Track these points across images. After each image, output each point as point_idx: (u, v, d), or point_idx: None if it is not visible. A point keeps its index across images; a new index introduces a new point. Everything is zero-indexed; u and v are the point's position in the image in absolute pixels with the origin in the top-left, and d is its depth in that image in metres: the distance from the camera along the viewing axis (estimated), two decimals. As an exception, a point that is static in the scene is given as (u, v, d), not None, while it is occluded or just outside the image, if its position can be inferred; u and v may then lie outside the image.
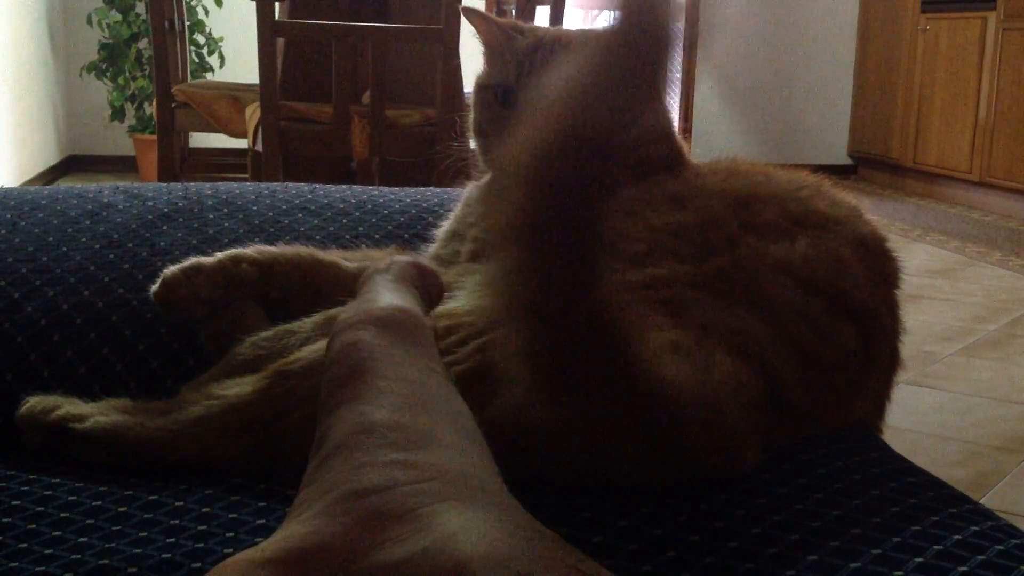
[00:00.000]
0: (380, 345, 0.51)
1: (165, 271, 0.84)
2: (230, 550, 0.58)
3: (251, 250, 0.86)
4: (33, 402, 0.74)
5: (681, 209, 0.76)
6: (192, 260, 0.85)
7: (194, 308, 0.83)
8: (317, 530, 0.42)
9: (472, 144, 0.96)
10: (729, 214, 0.75)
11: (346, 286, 0.85)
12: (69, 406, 0.73)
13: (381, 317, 0.52)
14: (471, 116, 0.94)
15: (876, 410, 0.80)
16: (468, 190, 0.95)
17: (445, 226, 0.94)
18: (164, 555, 0.58)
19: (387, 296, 0.55)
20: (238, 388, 0.70)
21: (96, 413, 0.72)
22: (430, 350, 0.53)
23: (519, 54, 0.88)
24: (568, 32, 0.91)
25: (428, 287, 0.58)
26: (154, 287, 0.84)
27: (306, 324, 0.77)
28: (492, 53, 0.93)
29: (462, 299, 0.74)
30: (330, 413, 0.48)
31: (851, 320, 0.72)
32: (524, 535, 0.42)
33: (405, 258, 0.59)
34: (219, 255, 0.85)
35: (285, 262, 0.86)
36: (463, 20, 0.99)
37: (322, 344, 0.70)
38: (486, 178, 0.94)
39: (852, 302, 0.73)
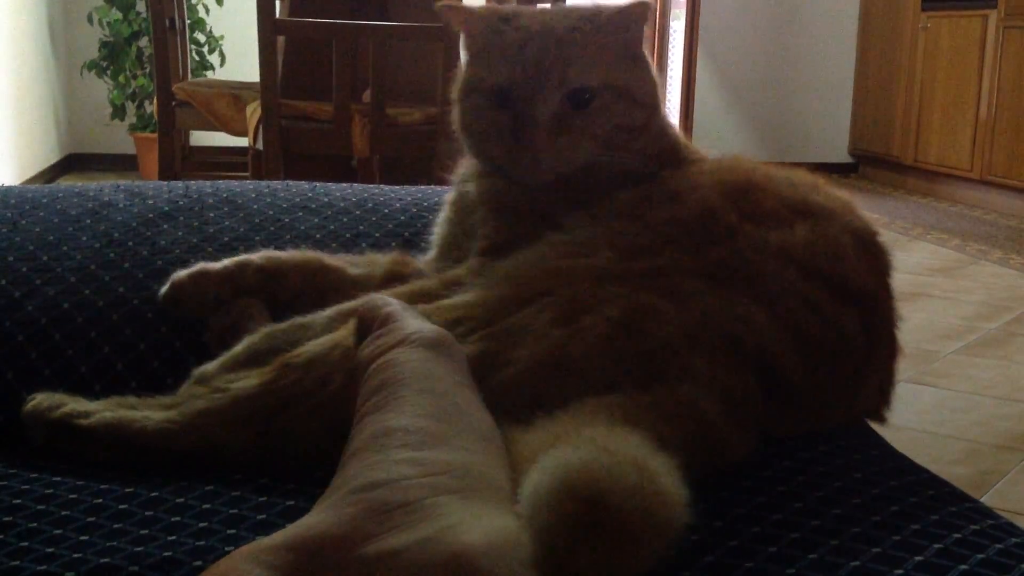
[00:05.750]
0: (411, 361, 0.53)
1: (174, 275, 0.87)
2: (231, 547, 0.58)
3: (258, 257, 0.88)
4: (39, 399, 0.74)
5: (680, 203, 0.77)
6: (200, 265, 0.87)
7: (200, 311, 0.86)
8: (324, 519, 0.44)
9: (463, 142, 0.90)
10: (727, 204, 0.75)
11: (351, 292, 0.86)
12: (74, 403, 0.73)
13: (420, 338, 0.55)
14: (457, 115, 0.87)
15: (881, 396, 0.80)
16: (458, 192, 0.92)
17: (441, 229, 0.92)
18: (165, 553, 0.58)
19: (417, 322, 0.57)
20: (244, 381, 0.71)
21: (101, 409, 0.73)
22: (460, 367, 0.55)
23: (508, 50, 0.82)
24: (553, 17, 0.84)
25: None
26: (163, 289, 0.87)
27: (319, 318, 0.78)
28: (477, 49, 0.86)
29: (470, 294, 0.74)
30: (359, 421, 0.51)
31: (853, 304, 0.73)
32: (524, 528, 0.43)
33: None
34: (227, 261, 0.87)
35: (291, 269, 0.88)
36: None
37: (327, 338, 0.71)
38: (466, 168, 0.91)
39: (853, 286, 0.73)
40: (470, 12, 0.85)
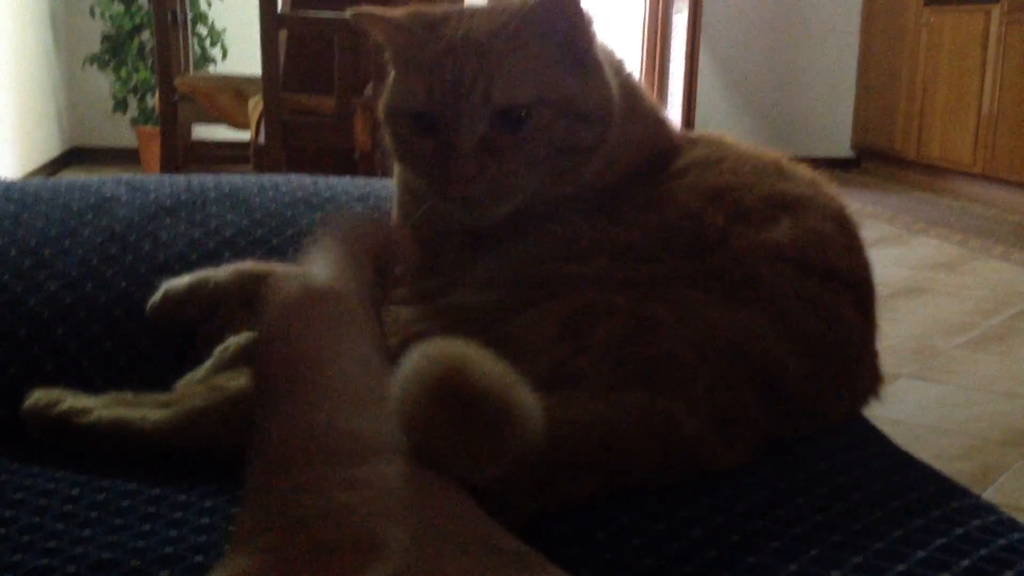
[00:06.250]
0: (312, 332, 0.49)
1: (152, 304, 0.85)
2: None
3: (236, 283, 0.85)
4: (37, 396, 0.74)
5: (664, 209, 0.75)
6: (187, 286, 0.85)
7: (186, 326, 0.85)
8: (264, 566, 0.40)
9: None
10: (711, 207, 0.74)
11: None
12: (73, 400, 0.73)
13: (311, 297, 0.51)
14: (388, 140, 0.78)
15: (874, 371, 0.79)
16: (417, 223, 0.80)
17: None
18: (167, 548, 0.58)
19: (317, 267, 0.53)
20: (239, 381, 0.71)
21: (99, 407, 0.73)
22: (362, 328, 0.51)
23: (427, 66, 0.71)
24: (479, 20, 0.73)
25: (388, 250, 0.56)
26: (151, 304, 0.85)
27: None
28: (398, 63, 0.76)
29: (466, 294, 0.73)
30: (268, 413, 0.47)
31: (846, 289, 0.73)
32: (483, 557, 0.41)
33: (362, 219, 0.56)
34: (210, 290, 0.85)
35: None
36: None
37: None
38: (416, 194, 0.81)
39: (843, 271, 0.74)
40: (390, 20, 0.74)
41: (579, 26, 0.73)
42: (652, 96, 0.83)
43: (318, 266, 0.54)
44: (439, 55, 0.71)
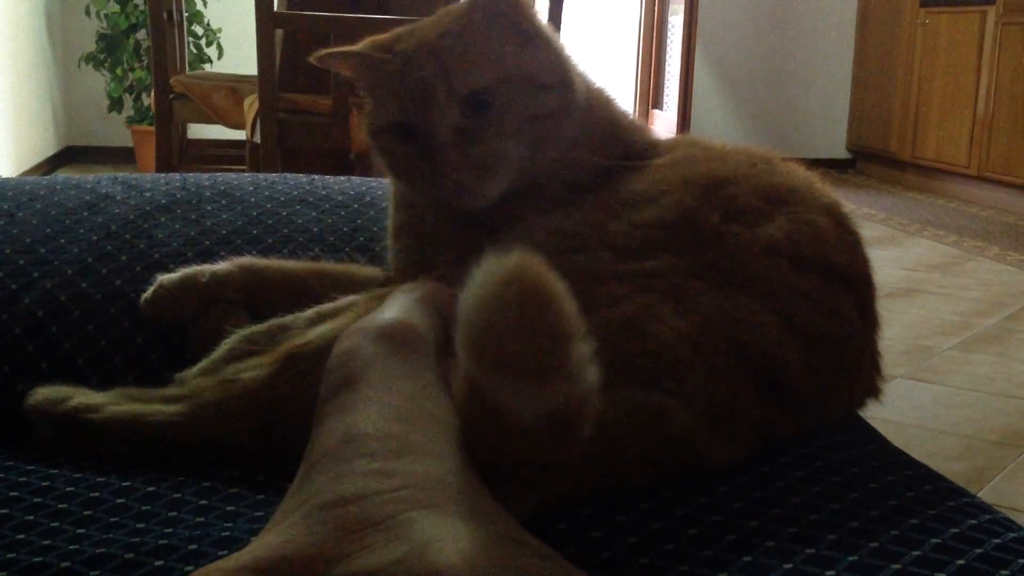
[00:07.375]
0: (375, 356, 0.51)
1: (145, 297, 0.86)
2: (227, 534, 0.58)
3: (235, 273, 0.86)
4: (43, 392, 0.74)
5: (658, 205, 0.75)
6: (181, 279, 0.85)
7: (180, 321, 0.86)
8: (291, 539, 0.41)
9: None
10: (705, 204, 0.74)
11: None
12: (81, 396, 0.73)
13: (380, 329, 0.52)
14: (379, 160, 0.83)
15: (874, 370, 0.79)
16: (410, 217, 0.85)
17: (409, 256, 0.85)
18: (161, 541, 0.58)
19: (393, 310, 0.55)
20: (252, 372, 0.71)
21: (109, 403, 0.72)
22: (427, 364, 0.52)
23: (392, 81, 0.78)
24: (426, 29, 0.79)
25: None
26: (144, 298, 0.86)
27: (300, 319, 0.77)
28: (370, 89, 0.82)
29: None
30: (320, 422, 0.48)
31: (845, 287, 0.73)
32: (500, 544, 0.41)
33: (435, 283, 0.59)
34: (206, 281, 0.85)
35: (270, 289, 0.86)
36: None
37: (332, 325, 0.70)
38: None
39: (841, 268, 0.73)
40: (351, 54, 0.81)
41: (518, 7, 0.79)
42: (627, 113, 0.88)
43: (394, 305, 0.56)
44: (400, 67, 0.77)
